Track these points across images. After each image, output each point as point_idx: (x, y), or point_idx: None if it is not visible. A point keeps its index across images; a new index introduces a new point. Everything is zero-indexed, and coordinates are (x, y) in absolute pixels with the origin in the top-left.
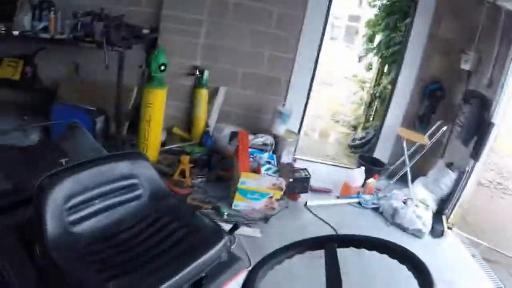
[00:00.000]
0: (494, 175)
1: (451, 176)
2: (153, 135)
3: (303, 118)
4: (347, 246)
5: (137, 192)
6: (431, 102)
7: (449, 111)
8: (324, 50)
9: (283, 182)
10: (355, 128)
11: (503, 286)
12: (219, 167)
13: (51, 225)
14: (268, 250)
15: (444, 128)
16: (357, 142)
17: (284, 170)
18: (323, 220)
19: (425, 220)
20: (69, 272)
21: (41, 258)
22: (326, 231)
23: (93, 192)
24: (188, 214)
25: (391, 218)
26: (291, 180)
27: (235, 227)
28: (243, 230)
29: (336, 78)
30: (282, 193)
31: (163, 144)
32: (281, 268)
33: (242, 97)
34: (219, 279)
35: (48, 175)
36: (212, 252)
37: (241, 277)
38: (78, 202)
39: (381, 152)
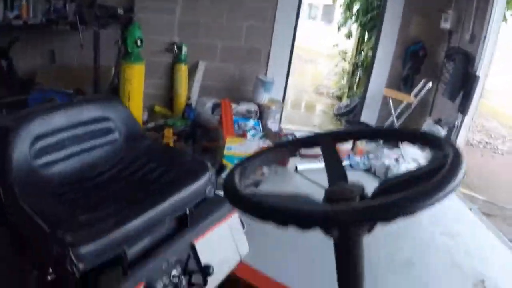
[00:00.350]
0: (482, 136)
1: (441, 132)
2: (134, 113)
3: (286, 87)
4: (344, 140)
5: (111, 136)
6: (414, 63)
7: (433, 70)
8: (303, 29)
9: (270, 144)
10: (339, 99)
11: (503, 236)
12: (204, 139)
13: (17, 168)
14: None
15: (430, 85)
16: (342, 110)
17: (270, 135)
18: (316, 183)
19: None
20: (38, 212)
21: (9, 207)
22: (320, 193)
23: (63, 134)
24: (167, 153)
25: (384, 176)
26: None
27: (221, 168)
28: None
29: (316, 55)
30: None
31: (145, 123)
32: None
33: (222, 70)
34: (206, 219)
35: (13, 115)
36: (195, 185)
37: (231, 219)
38: (47, 144)
39: (368, 117)
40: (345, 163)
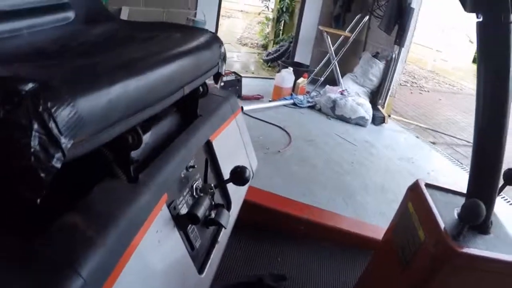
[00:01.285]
0: (407, 77)
1: (379, 65)
2: None
3: (216, 30)
4: None
5: (63, 14)
6: (345, 1)
7: (364, 7)
8: None
9: (211, 84)
10: (265, 47)
11: (450, 156)
12: None
13: None
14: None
15: (366, 18)
16: (272, 56)
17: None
18: (266, 121)
19: (367, 107)
20: None
21: None
22: (269, 130)
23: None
24: (160, 29)
25: (331, 111)
26: (221, 83)
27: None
28: None
29: (233, 12)
30: None
31: None
32: None
33: (147, 14)
34: (219, 110)
35: None
36: (208, 51)
37: (239, 116)
38: None
39: (301, 57)
40: (289, 102)
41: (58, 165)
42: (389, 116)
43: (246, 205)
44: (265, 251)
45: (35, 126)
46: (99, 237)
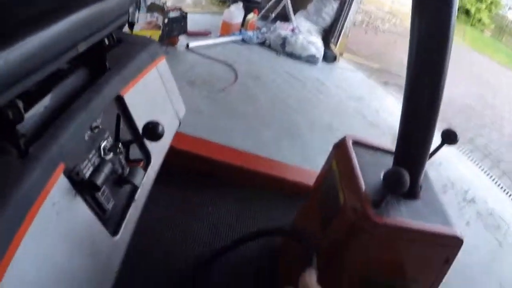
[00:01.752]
0: (364, 17)
1: (333, 4)
2: None
3: None
4: None
5: None
6: None
7: None
8: None
9: (159, 18)
10: None
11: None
12: None
13: None
14: None
15: None
16: None
17: (155, 8)
18: (212, 58)
19: (318, 45)
20: None
21: None
22: (215, 68)
23: None
24: None
25: (281, 48)
26: (166, 21)
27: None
28: None
29: None
30: (160, 32)
31: None
32: None
33: None
34: (132, 60)
35: None
36: None
37: (161, 64)
38: None
39: None
40: (238, 38)
41: None
42: (341, 55)
43: (176, 152)
44: (196, 200)
45: None
46: None
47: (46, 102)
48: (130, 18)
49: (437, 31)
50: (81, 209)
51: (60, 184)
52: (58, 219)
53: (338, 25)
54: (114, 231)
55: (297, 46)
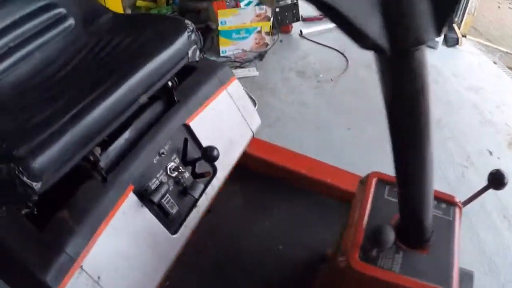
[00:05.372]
0: None
1: None
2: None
3: None
4: None
5: (64, 23)
6: None
7: None
8: None
9: (268, 10)
10: None
11: None
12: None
13: None
14: (268, 85)
15: None
16: None
17: (264, 1)
18: (325, 46)
19: None
20: None
21: None
22: (329, 56)
23: (4, 38)
24: (135, 21)
25: None
26: (277, 9)
27: (208, 29)
28: (236, 72)
29: None
30: (270, 23)
31: None
32: None
33: None
34: (198, 90)
35: None
36: (171, 46)
37: (232, 86)
38: None
39: None
40: None
41: (35, 196)
42: (465, 36)
43: (251, 159)
44: (268, 201)
45: (15, 178)
46: (78, 225)
47: (125, 136)
48: (190, 59)
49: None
50: (146, 215)
51: (129, 199)
52: (127, 222)
53: (462, 3)
54: (174, 231)
55: None
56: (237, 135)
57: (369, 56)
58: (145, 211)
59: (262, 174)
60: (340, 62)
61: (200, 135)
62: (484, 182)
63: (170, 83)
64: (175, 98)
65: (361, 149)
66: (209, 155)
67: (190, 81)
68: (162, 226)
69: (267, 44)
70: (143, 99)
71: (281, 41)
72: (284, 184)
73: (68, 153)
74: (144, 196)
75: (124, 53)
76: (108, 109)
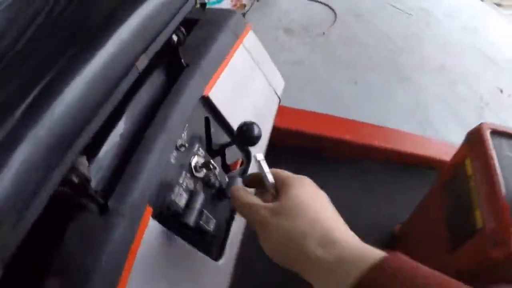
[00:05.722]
0: None
1: None
2: None
3: None
4: None
5: None
6: None
7: None
8: None
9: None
10: None
11: None
12: None
13: None
14: None
15: None
16: None
17: None
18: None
19: None
20: None
21: None
22: (314, 10)
23: None
24: None
25: None
26: None
27: None
28: None
29: None
30: None
31: None
32: None
33: None
34: (209, 45)
35: None
36: None
37: (249, 37)
38: None
39: None
40: None
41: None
42: None
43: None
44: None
45: None
46: None
47: (120, 130)
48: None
49: None
50: (178, 244)
51: (150, 230)
52: (156, 259)
53: None
54: (217, 255)
55: None
56: (264, 103)
57: (356, 4)
58: (176, 239)
59: (293, 148)
60: (327, 15)
61: (224, 110)
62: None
63: (175, 38)
64: (183, 61)
65: (374, 102)
66: (248, 135)
67: (196, 37)
68: (201, 253)
69: (244, 6)
70: (143, 63)
71: (258, 0)
72: (322, 156)
73: (31, 180)
74: (170, 218)
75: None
76: (88, 88)
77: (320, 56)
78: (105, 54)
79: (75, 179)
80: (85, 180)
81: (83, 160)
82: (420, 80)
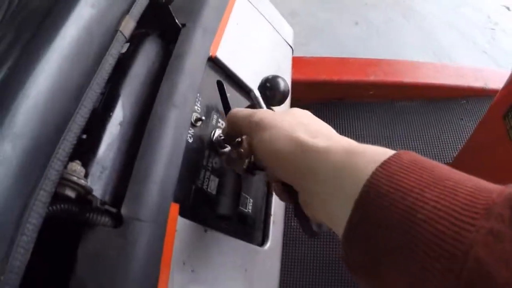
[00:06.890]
0: None
1: None
2: None
3: None
4: None
5: None
6: None
7: None
8: None
9: None
10: None
11: None
12: None
13: None
14: None
15: None
16: None
17: None
18: None
19: None
20: None
21: None
22: None
23: None
24: None
25: None
26: None
27: None
28: None
29: None
30: None
31: None
32: None
33: None
34: None
35: None
36: None
37: None
38: None
39: None
40: None
41: None
42: None
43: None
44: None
45: None
46: None
47: (118, 117)
48: None
49: None
50: (218, 239)
51: (181, 229)
52: (196, 265)
53: None
54: (262, 240)
55: None
56: (278, 55)
57: None
58: (213, 234)
59: (314, 102)
60: None
61: (237, 70)
62: None
63: None
64: (177, 21)
65: (381, 39)
66: (274, 92)
67: None
68: (245, 243)
69: None
70: (128, 29)
71: None
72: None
73: (12, 203)
74: (203, 211)
75: None
76: (58, 70)
77: (314, 4)
78: (72, 22)
79: (70, 194)
80: (85, 191)
81: (76, 166)
82: (423, 9)
